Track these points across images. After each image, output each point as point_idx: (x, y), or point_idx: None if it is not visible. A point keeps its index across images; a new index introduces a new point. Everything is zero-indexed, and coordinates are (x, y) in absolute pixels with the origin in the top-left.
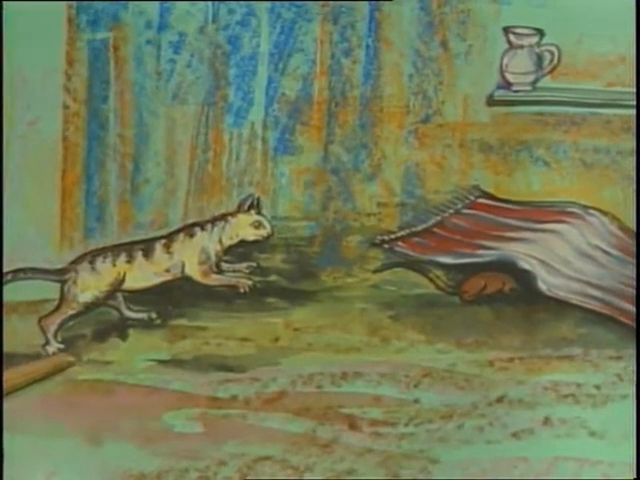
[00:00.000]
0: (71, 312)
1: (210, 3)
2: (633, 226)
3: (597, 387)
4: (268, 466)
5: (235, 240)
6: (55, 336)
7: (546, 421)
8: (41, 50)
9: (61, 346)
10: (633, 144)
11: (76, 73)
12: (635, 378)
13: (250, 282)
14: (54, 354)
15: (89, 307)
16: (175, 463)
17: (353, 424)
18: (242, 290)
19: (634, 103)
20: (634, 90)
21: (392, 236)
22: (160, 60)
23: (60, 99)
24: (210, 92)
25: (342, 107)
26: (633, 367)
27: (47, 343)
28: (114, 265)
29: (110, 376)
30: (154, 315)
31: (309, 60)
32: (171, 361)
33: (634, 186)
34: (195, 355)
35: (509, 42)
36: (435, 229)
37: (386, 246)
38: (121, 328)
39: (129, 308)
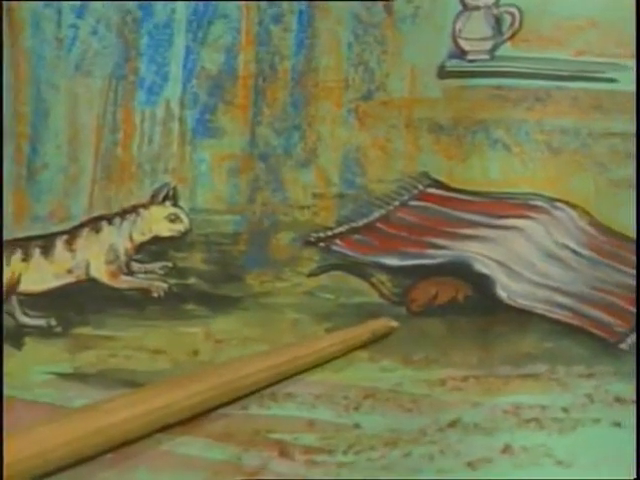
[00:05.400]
0: None
1: None
2: (606, 221)
3: (565, 410)
4: None
5: (148, 236)
6: None
7: (506, 449)
8: None
9: None
10: (605, 124)
11: None
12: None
13: (165, 285)
14: None
15: None
16: None
17: (284, 451)
18: (156, 294)
19: (607, 75)
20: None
21: (329, 233)
22: (61, 26)
23: None
24: (119, 64)
25: (271, 82)
26: (639, 383)
27: None
28: (7, 264)
29: (4, 390)
30: (54, 322)
31: (233, 28)
32: (73, 375)
33: (607, 174)
34: (101, 369)
35: (462, 3)
36: (378, 224)
37: (322, 245)
38: (16, 336)
39: (25, 313)
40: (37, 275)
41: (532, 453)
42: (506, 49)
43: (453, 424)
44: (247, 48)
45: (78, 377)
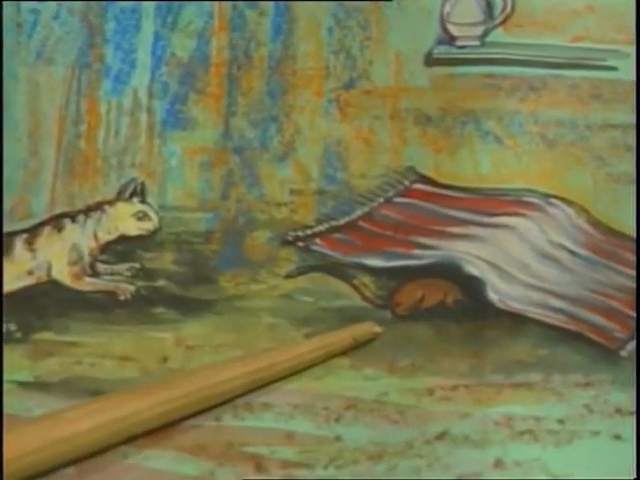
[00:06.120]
0: None
1: None
2: (605, 219)
3: (561, 421)
4: None
5: (114, 235)
6: None
7: (498, 463)
8: None
9: None
10: (604, 115)
11: None
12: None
13: (132, 288)
14: None
15: None
16: None
17: (260, 465)
18: (122, 297)
19: (606, 63)
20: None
21: (308, 232)
22: (20, 10)
23: None
24: (82, 51)
25: (246, 70)
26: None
27: None
28: None
29: None
30: (13, 327)
31: (205, 12)
32: (34, 384)
33: (606, 169)
34: (64, 377)
35: None
36: (361, 223)
37: (300, 244)
38: None
39: None
40: None
41: (526, 468)
42: (498, 35)
43: (441, 436)
44: (220, 33)
45: (39, 386)
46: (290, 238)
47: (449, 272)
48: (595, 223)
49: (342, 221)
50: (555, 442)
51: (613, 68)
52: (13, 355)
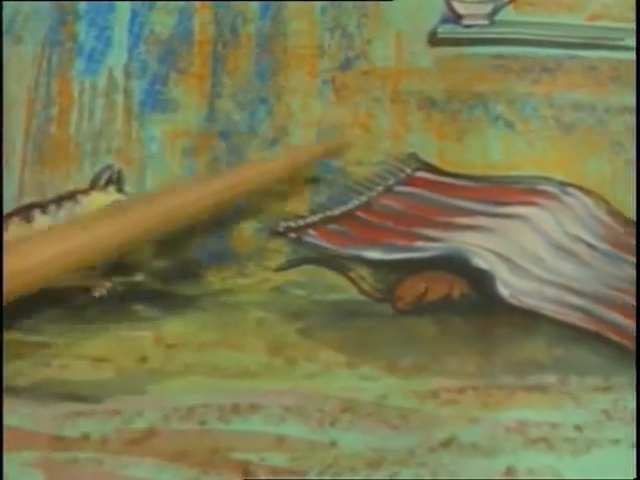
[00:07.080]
0: None
1: None
2: (625, 210)
3: (578, 428)
4: None
5: None
6: None
7: (509, 472)
8: None
9: None
10: (624, 98)
11: None
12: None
13: (108, 283)
14: None
15: None
16: None
17: (248, 473)
18: (97, 294)
19: (626, 43)
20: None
21: (301, 222)
22: None
23: None
24: (53, 28)
25: (232, 48)
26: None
27: None
28: None
29: None
30: None
31: None
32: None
33: (626, 155)
34: (34, 380)
35: None
36: (358, 213)
37: (292, 235)
38: None
39: None
40: None
41: (540, 478)
42: (508, 13)
43: (447, 443)
44: (204, 8)
45: (7, 390)
46: (281, 229)
47: (455, 265)
48: (614, 214)
49: (338, 211)
50: (571, 451)
51: (633, 48)
52: None
